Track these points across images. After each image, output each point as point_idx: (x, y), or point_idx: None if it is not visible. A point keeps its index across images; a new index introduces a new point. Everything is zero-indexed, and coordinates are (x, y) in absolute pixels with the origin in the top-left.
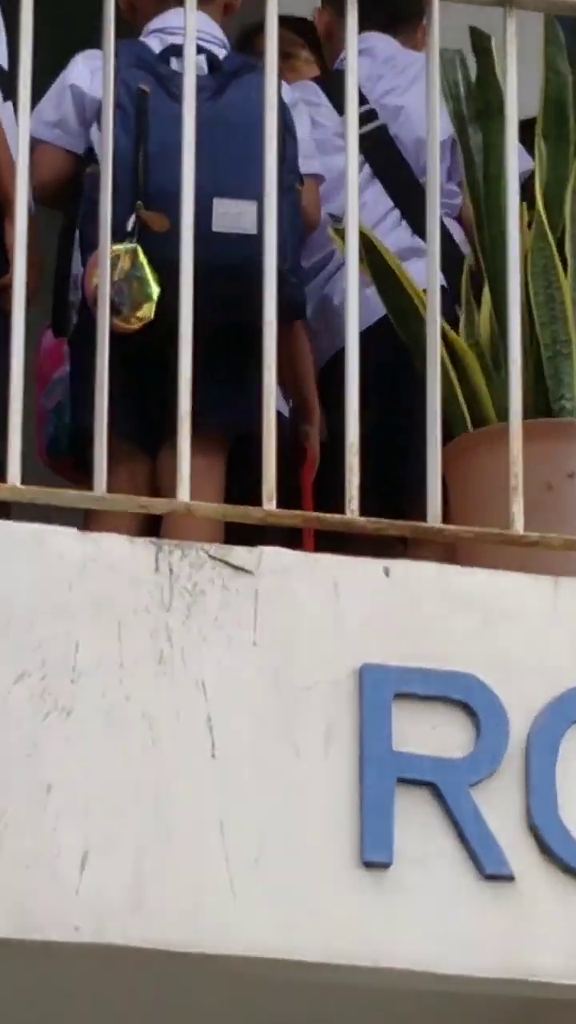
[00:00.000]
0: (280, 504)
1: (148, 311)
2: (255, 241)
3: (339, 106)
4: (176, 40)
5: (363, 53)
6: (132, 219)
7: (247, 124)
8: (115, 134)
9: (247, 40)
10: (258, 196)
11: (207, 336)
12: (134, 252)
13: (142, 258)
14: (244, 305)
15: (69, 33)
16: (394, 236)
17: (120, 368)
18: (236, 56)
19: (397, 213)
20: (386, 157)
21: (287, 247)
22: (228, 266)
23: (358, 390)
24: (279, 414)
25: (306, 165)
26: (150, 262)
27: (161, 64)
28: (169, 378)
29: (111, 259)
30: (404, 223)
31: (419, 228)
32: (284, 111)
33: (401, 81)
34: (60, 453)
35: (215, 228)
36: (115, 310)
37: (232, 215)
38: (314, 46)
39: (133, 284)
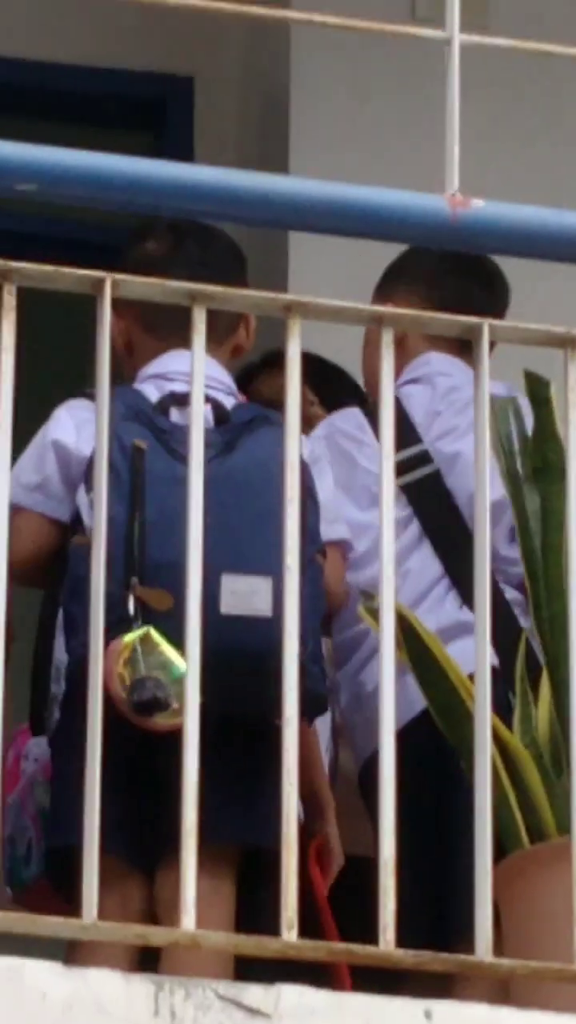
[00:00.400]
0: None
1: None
2: (270, 624)
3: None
4: (177, 387)
5: (421, 380)
6: (131, 599)
7: (259, 487)
8: (108, 499)
9: (248, 382)
10: (272, 571)
11: (213, 733)
12: (147, 636)
13: (157, 638)
14: (256, 699)
15: (51, 377)
16: (441, 610)
17: (109, 769)
18: (247, 406)
19: (447, 581)
20: (438, 512)
21: (307, 631)
22: (239, 654)
23: (394, 798)
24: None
25: (328, 531)
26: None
27: (159, 416)
28: (167, 782)
29: (127, 654)
30: (454, 593)
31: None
32: (304, 471)
33: (461, 421)
34: (19, 886)
35: (223, 609)
36: (160, 705)
37: (242, 594)
38: (320, 391)
39: (162, 672)
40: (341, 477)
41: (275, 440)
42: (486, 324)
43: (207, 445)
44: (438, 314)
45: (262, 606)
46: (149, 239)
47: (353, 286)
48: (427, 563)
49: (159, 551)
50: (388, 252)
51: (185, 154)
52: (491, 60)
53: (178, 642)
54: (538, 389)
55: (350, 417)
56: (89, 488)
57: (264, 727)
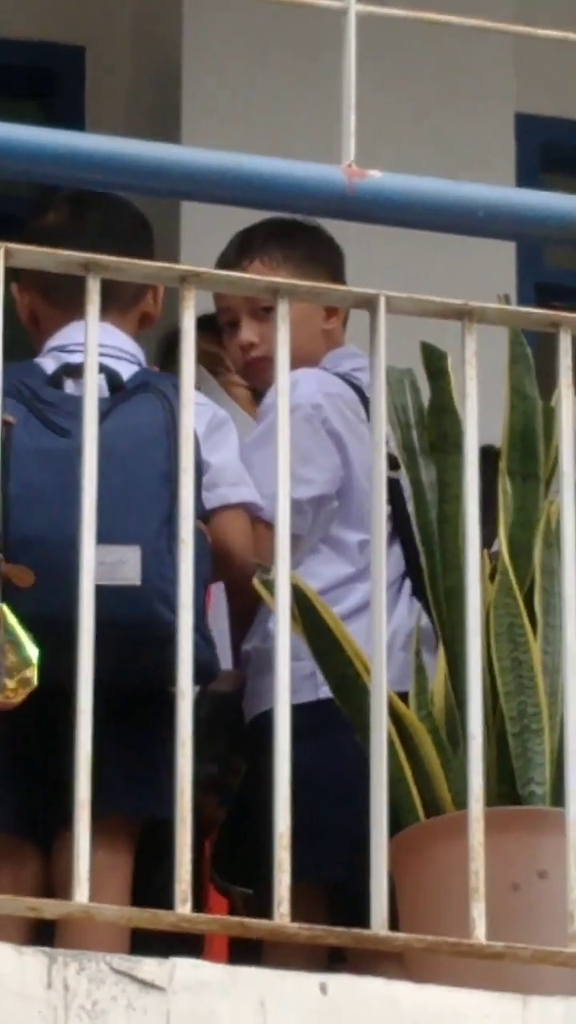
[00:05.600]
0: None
1: (32, 676)
2: (141, 593)
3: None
4: (73, 359)
5: (365, 370)
6: None
7: (128, 455)
8: None
9: (171, 348)
10: (140, 540)
11: (102, 703)
12: None
13: (10, 619)
14: (131, 668)
15: None
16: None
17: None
18: (144, 373)
19: (409, 583)
20: (403, 511)
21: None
22: (109, 624)
23: (288, 774)
24: None
25: (231, 493)
26: (19, 621)
27: (47, 388)
28: (62, 755)
29: None
30: (414, 599)
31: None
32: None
33: None
34: None
35: None
36: None
37: (110, 564)
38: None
39: (5, 649)
40: (352, 446)
41: (148, 408)
42: (383, 295)
43: (77, 415)
44: (333, 285)
45: (131, 575)
46: (49, 210)
47: None
48: (397, 560)
49: (23, 526)
50: None
51: (76, 125)
52: (387, 30)
53: (42, 617)
54: (435, 361)
55: (349, 389)
56: None
57: (147, 697)
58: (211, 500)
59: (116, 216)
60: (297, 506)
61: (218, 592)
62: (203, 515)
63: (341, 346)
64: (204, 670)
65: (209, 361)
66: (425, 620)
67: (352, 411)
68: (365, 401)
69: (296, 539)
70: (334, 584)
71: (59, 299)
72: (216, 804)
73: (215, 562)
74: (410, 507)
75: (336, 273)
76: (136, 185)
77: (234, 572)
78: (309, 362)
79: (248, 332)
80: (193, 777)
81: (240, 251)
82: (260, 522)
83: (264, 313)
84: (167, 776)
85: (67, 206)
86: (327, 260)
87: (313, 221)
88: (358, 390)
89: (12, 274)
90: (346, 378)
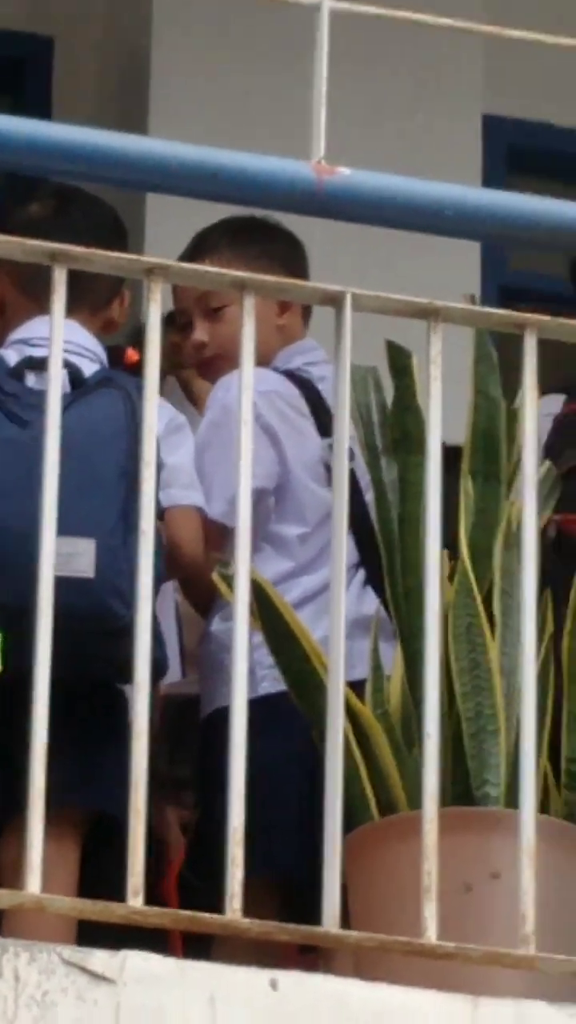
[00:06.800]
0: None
1: None
2: (94, 585)
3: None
4: (37, 352)
5: (320, 364)
6: None
7: (85, 450)
8: None
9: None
10: (95, 533)
11: (52, 694)
12: None
13: None
14: (85, 661)
15: None
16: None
17: None
18: (106, 371)
19: (363, 573)
20: (355, 502)
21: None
22: (61, 615)
23: (244, 765)
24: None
25: (181, 495)
26: None
27: (9, 380)
28: (7, 744)
29: None
30: (369, 588)
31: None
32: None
33: None
34: None
35: None
36: None
37: (64, 555)
38: None
39: None
40: (288, 440)
41: (108, 403)
42: (349, 293)
43: (38, 407)
44: (300, 281)
45: (85, 567)
46: (33, 202)
47: None
48: (349, 550)
49: None
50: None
51: (43, 115)
52: (358, 28)
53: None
54: (399, 359)
55: (289, 384)
56: None
57: (97, 690)
58: (163, 500)
59: (97, 213)
60: (236, 501)
61: (164, 592)
62: (158, 513)
63: (298, 340)
64: (153, 666)
65: (172, 352)
66: (381, 609)
67: (291, 406)
68: (313, 394)
69: (235, 534)
70: (276, 580)
71: (34, 291)
72: (192, 804)
73: (166, 559)
74: (368, 498)
75: (294, 270)
76: (103, 176)
77: (183, 569)
78: (262, 358)
79: (200, 332)
80: (167, 779)
81: (194, 251)
82: (207, 523)
83: (214, 313)
84: (118, 771)
85: (52, 199)
86: (282, 257)
87: (272, 219)
88: (307, 384)
89: None
90: (295, 373)
